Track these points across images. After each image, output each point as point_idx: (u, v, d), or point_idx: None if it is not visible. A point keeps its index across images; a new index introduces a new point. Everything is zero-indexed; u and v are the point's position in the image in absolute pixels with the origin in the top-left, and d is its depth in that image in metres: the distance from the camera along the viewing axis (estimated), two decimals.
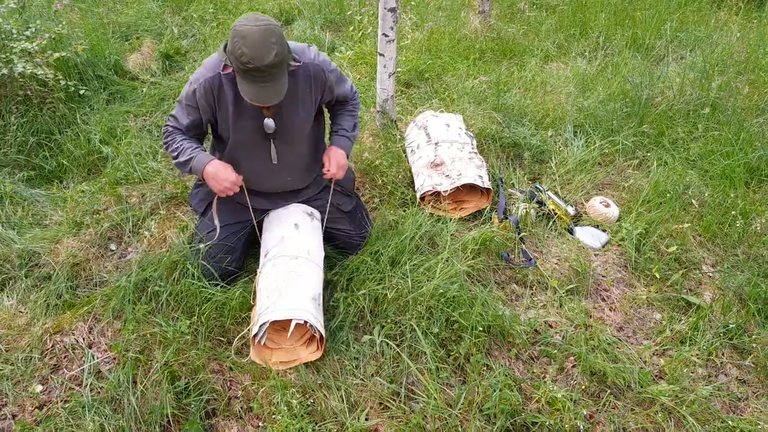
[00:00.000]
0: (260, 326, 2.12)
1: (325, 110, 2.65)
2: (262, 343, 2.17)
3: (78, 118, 3.57)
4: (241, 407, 2.08)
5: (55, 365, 2.19)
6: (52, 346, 2.24)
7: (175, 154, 2.30)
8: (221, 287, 2.42)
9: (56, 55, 3.62)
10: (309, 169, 2.59)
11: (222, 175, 2.25)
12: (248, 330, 2.23)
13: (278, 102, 2.08)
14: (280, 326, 2.26)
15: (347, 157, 2.52)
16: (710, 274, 2.82)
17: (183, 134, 2.34)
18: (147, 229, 2.76)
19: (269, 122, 2.25)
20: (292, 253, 2.35)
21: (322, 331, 2.15)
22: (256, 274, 2.47)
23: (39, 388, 2.10)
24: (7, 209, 2.88)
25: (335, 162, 2.44)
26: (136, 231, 2.78)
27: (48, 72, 3.47)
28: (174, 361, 2.14)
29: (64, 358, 2.21)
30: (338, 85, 2.45)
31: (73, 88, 3.68)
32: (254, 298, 2.34)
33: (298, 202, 2.62)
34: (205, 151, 2.35)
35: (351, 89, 2.57)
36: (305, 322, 2.12)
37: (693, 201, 3.13)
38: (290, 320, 2.13)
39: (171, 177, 3.13)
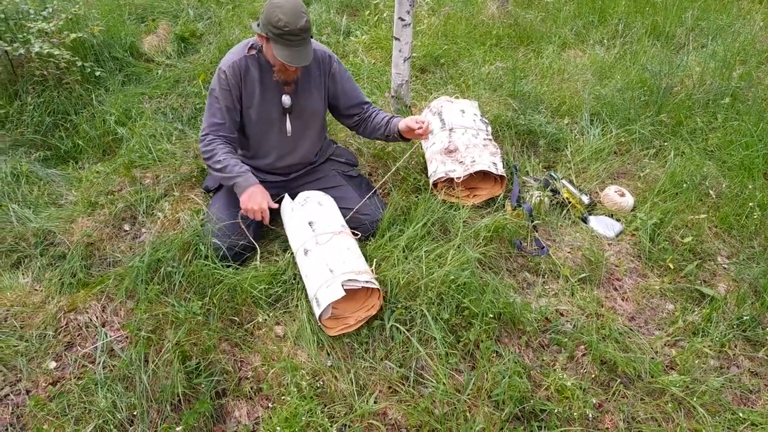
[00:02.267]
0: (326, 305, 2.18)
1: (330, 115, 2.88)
2: (328, 316, 2.26)
3: (94, 99, 3.59)
4: (251, 388, 2.10)
5: (68, 343, 2.22)
6: (66, 324, 2.27)
7: (219, 167, 2.46)
8: (233, 268, 2.43)
9: (73, 35, 3.64)
10: (316, 146, 2.80)
11: (258, 198, 2.42)
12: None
13: (307, 63, 2.33)
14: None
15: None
16: (725, 266, 2.79)
17: (223, 140, 2.51)
18: (160, 210, 2.77)
19: (286, 98, 2.55)
20: (331, 230, 2.44)
21: (377, 285, 2.27)
22: (269, 256, 2.50)
23: (53, 364, 2.13)
24: (23, 188, 2.91)
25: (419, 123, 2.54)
26: (150, 212, 2.80)
27: (64, 52, 3.49)
28: (185, 341, 2.16)
29: (78, 335, 2.24)
30: (344, 79, 2.70)
31: (89, 69, 3.70)
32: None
33: (308, 173, 2.75)
34: (248, 169, 2.50)
35: (364, 96, 2.79)
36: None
37: (710, 191, 3.09)
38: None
39: (185, 158, 3.14)
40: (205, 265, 2.39)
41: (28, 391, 2.03)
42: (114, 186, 2.94)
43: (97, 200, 2.82)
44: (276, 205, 2.51)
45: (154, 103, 3.77)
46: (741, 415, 2.09)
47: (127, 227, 2.75)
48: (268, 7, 2.27)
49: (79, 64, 3.61)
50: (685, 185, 3.10)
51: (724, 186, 3.16)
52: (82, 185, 2.94)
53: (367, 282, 2.24)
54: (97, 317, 2.30)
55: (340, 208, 2.64)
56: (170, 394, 2.02)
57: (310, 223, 2.46)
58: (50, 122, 3.38)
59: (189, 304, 2.27)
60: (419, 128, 2.53)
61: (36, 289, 2.41)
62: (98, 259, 2.59)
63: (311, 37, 2.38)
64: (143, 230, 2.73)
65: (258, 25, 2.35)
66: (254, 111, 2.54)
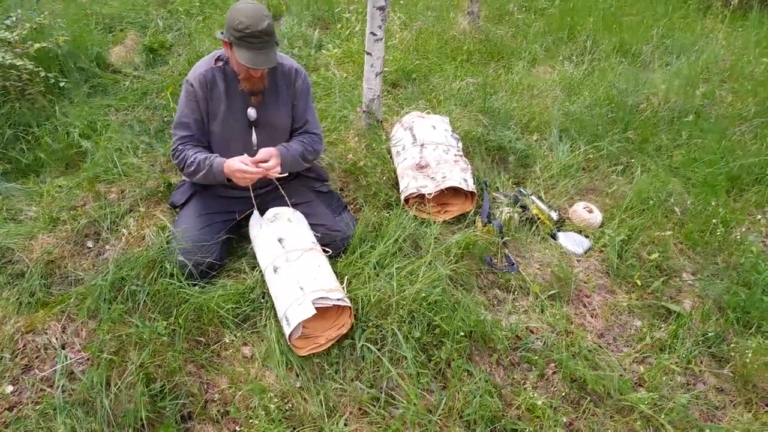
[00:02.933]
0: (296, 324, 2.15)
1: None
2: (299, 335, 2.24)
3: (57, 111, 3.50)
4: (218, 411, 2.05)
5: (26, 365, 2.14)
6: (23, 346, 2.19)
7: (193, 168, 2.44)
8: (199, 287, 2.38)
9: (37, 45, 3.55)
10: None
11: (236, 166, 2.35)
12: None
13: (270, 66, 2.32)
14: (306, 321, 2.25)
15: (283, 166, 2.49)
16: (690, 282, 2.84)
17: (192, 146, 2.49)
18: (125, 226, 2.70)
19: (251, 111, 2.53)
20: (301, 247, 2.40)
21: (348, 303, 2.26)
22: (236, 274, 2.46)
23: (9, 388, 2.05)
24: None
25: (271, 159, 2.42)
26: (114, 228, 2.72)
27: (27, 63, 3.39)
28: (150, 362, 2.10)
29: (36, 358, 2.16)
30: (302, 97, 2.64)
31: (53, 80, 3.61)
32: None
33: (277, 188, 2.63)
34: (216, 156, 2.46)
35: (313, 125, 2.71)
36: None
37: (675, 208, 3.15)
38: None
39: (152, 172, 3.08)
40: (171, 283, 2.33)
41: None
42: (77, 201, 2.85)
43: (59, 216, 2.73)
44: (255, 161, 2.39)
45: (121, 116, 3.69)
46: (708, 431, 2.12)
47: (90, 244, 2.67)
48: (230, 12, 2.28)
49: (43, 74, 3.52)
50: (651, 202, 3.15)
51: (688, 203, 3.23)
52: (44, 200, 2.85)
53: (338, 300, 2.21)
54: (56, 338, 2.22)
55: (310, 224, 2.61)
56: (133, 419, 1.96)
57: (279, 240, 2.43)
58: (11, 134, 3.28)
59: (153, 324, 2.21)
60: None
61: None
62: (59, 278, 2.51)
63: (276, 44, 2.36)
64: (107, 247, 2.66)
65: (222, 33, 2.35)
66: (219, 124, 2.51)
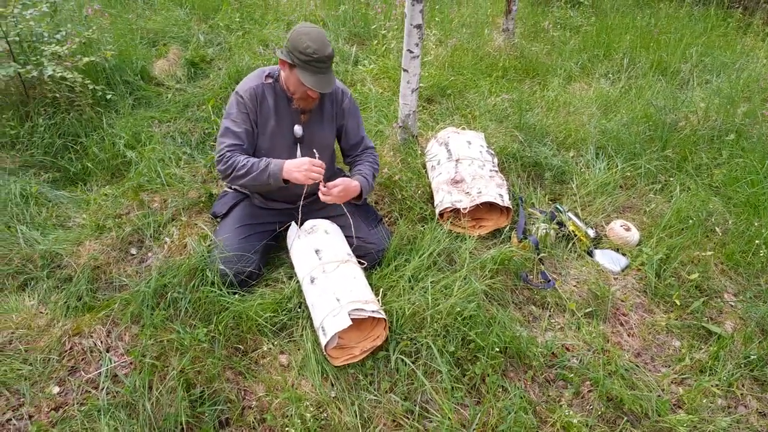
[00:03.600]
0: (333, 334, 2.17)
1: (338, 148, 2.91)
2: (334, 345, 2.26)
3: (104, 122, 3.62)
4: (255, 418, 2.08)
5: (72, 367, 2.20)
6: (70, 348, 2.26)
7: (245, 170, 2.44)
8: (239, 296, 2.43)
9: (85, 59, 3.68)
10: (325, 176, 2.64)
11: (298, 163, 2.42)
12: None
13: (331, 90, 2.40)
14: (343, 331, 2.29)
15: (359, 199, 2.67)
16: (732, 303, 2.78)
17: (240, 153, 2.50)
18: (168, 235, 2.78)
19: (298, 128, 2.58)
20: (338, 259, 2.44)
21: (383, 315, 2.27)
22: (274, 283, 2.51)
23: (56, 389, 2.11)
24: (31, 210, 2.92)
25: (343, 189, 2.51)
26: (157, 236, 2.80)
27: (77, 76, 3.53)
28: (190, 368, 2.15)
29: (82, 360, 2.23)
30: (352, 116, 2.74)
31: (100, 93, 3.74)
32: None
33: (315, 201, 2.67)
34: (269, 159, 2.49)
35: (367, 139, 2.83)
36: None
37: (716, 228, 3.09)
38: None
39: (193, 183, 3.16)
40: (211, 291, 2.39)
41: (30, 417, 2.01)
42: (122, 209, 2.95)
43: (105, 223, 2.82)
44: (319, 162, 2.44)
45: (164, 127, 3.80)
46: None
47: (133, 251, 2.75)
48: (296, 35, 2.33)
49: (91, 87, 3.66)
50: (690, 221, 3.11)
51: (730, 223, 3.17)
52: (90, 208, 2.95)
53: (373, 312, 2.23)
54: (101, 342, 2.29)
55: (346, 236, 2.65)
56: (173, 423, 2.00)
57: (316, 251, 2.46)
58: (60, 144, 3.41)
59: (194, 331, 2.27)
60: (329, 186, 2.50)
61: (41, 312, 2.41)
62: (104, 283, 2.59)
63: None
64: (150, 255, 2.73)
65: (282, 52, 2.40)
66: (266, 138, 2.57)
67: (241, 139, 2.51)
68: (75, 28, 4.12)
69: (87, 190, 3.17)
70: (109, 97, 3.79)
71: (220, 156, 2.48)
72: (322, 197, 2.49)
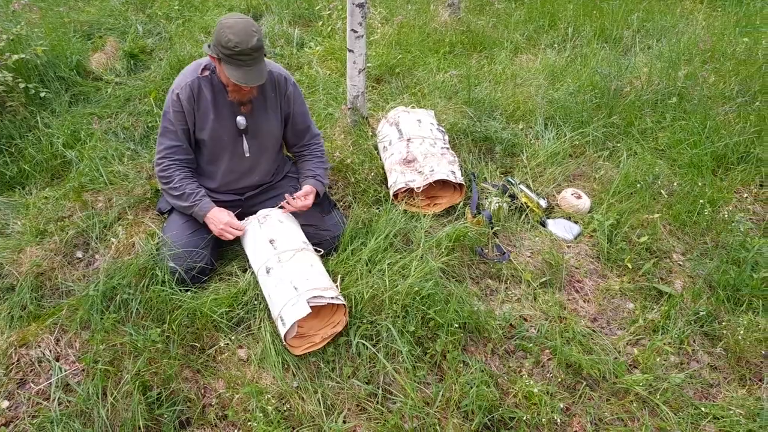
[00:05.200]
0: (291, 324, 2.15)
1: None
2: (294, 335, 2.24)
3: (39, 122, 3.46)
4: (216, 415, 2.05)
5: (21, 380, 2.12)
6: (17, 360, 2.17)
7: (176, 194, 2.49)
8: (192, 292, 2.37)
9: (15, 57, 3.50)
10: (273, 165, 2.78)
11: (220, 217, 2.47)
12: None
13: (260, 83, 2.31)
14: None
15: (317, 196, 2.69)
16: (680, 263, 2.86)
17: (180, 164, 2.52)
18: (114, 235, 2.68)
19: (241, 119, 2.51)
20: (293, 247, 2.41)
21: (343, 301, 2.27)
22: (227, 277, 2.46)
23: (5, 403, 2.03)
24: None
25: (309, 200, 2.60)
26: (103, 238, 2.70)
27: (7, 75, 3.36)
28: (145, 370, 2.10)
29: (31, 371, 2.14)
30: (297, 103, 2.68)
31: (33, 91, 3.57)
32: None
33: (265, 190, 2.76)
34: (204, 194, 2.54)
35: (314, 128, 2.81)
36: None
37: (662, 191, 3.17)
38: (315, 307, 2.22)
39: (138, 180, 3.06)
40: (163, 290, 2.32)
41: None
42: (64, 212, 2.83)
43: (47, 227, 2.71)
44: (241, 225, 2.50)
45: (104, 124, 3.65)
46: (703, 409, 2.15)
47: (79, 254, 2.65)
48: (219, 28, 2.24)
49: (23, 86, 3.49)
50: (638, 185, 3.18)
51: (675, 184, 3.25)
52: (30, 212, 2.82)
53: (333, 298, 2.21)
54: (50, 351, 2.20)
55: (301, 224, 2.61)
56: (131, 428, 1.95)
57: (271, 241, 2.42)
58: None
59: (147, 332, 2.20)
60: (295, 196, 2.59)
61: None
62: (50, 290, 2.49)
63: (265, 55, 2.34)
64: (97, 257, 2.64)
65: (209, 46, 2.32)
66: (207, 133, 2.49)
67: (180, 138, 2.48)
68: (2, 24, 3.91)
69: (26, 194, 3.03)
70: (42, 95, 3.62)
71: (160, 159, 2.49)
72: (286, 207, 2.58)
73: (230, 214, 2.51)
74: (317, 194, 2.66)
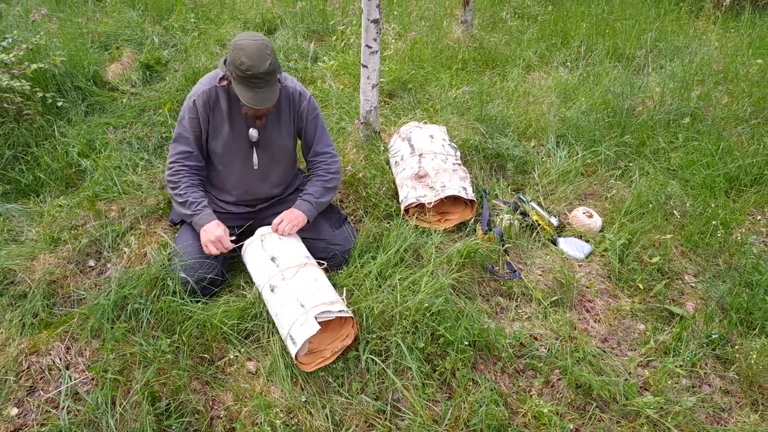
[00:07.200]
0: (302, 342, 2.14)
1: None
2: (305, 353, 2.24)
3: (56, 131, 3.50)
4: (224, 428, 2.04)
5: (30, 387, 2.13)
6: (27, 367, 2.18)
7: (180, 200, 2.51)
8: (202, 303, 2.38)
9: (34, 66, 3.55)
10: (285, 179, 2.79)
11: (212, 230, 2.44)
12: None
13: (271, 105, 2.34)
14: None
15: (308, 221, 2.63)
16: (692, 284, 2.84)
17: (190, 170, 2.54)
18: (126, 244, 2.70)
19: (253, 132, 2.53)
20: (296, 263, 2.39)
21: (350, 314, 2.25)
22: (237, 290, 2.46)
23: (14, 411, 2.04)
24: None
25: (287, 219, 2.56)
26: (116, 247, 2.72)
27: (25, 84, 3.41)
28: (154, 381, 2.10)
29: (41, 379, 2.15)
30: (310, 118, 2.66)
31: (50, 100, 3.62)
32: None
33: (275, 204, 2.75)
34: (207, 205, 2.53)
35: (324, 145, 2.73)
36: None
37: (675, 211, 3.15)
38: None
39: (151, 190, 3.08)
40: (174, 300, 2.33)
41: None
42: (77, 220, 2.85)
43: (60, 235, 2.73)
44: (230, 245, 2.47)
45: (119, 133, 3.69)
46: None
47: (91, 263, 2.67)
48: (232, 49, 2.26)
49: (40, 95, 3.53)
50: (650, 205, 3.16)
51: (688, 205, 3.24)
52: (44, 220, 2.85)
53: (340, 312, 2.21)
54: (60, 359, 2.21)
55: (310, 239, 2.61)
56: None
57: (273, 259, 2.42)
58: (10, 155, 3.28)
59: (157, 342, 2.21)
60: (275, 222, 2.57)
61: None
62: (61, 298, 2.50)
63: (279, 73, 2.37)
64: (109, 266, 2.66)
65: (224, 62, 2.35)
66: (220, 143, 2.53)
67: (191, 145, 2.51)
68: (22, 34, 3.97)
69: (40, 202, 3.06)
70: (60, 104, 3.67)
71: (171, 163, 2.53)
72: (272, 227, 2.56)
73: (226, 230, 2.48)
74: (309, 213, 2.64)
